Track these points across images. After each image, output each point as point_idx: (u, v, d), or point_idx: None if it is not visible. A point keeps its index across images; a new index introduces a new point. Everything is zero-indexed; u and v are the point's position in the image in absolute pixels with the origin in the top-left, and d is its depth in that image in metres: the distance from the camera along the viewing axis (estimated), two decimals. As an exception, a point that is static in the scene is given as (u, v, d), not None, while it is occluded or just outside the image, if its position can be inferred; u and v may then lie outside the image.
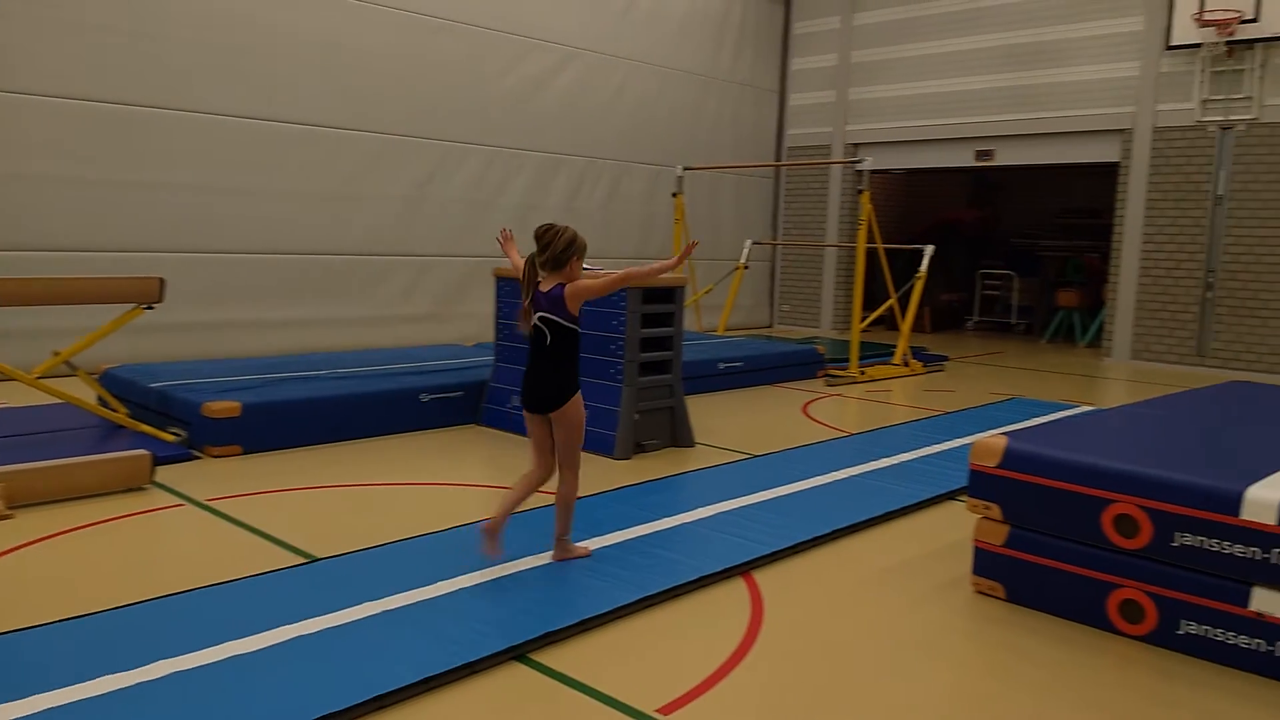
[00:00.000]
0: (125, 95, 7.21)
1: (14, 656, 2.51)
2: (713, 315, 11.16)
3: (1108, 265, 10.90)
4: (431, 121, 9.11)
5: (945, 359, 9.79)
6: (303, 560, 3.36)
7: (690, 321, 8.57)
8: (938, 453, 5.31)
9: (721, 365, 7.54)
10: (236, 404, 4.87)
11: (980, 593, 3.28)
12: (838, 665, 2.74)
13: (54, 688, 2.32)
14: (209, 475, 4.49)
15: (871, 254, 8.96)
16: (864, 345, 8.92)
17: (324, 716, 2.28)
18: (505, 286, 5.86)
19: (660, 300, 5.35)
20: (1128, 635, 2.92)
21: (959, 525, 3.99)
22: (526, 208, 10.02)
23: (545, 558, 3.37)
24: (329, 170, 8.42)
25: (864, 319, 8.72)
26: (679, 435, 5.45)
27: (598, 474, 4.72)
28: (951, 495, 4.50)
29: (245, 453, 4.88)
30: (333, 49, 8.33)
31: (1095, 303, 12.03)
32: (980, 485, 3.24)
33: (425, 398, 5.68)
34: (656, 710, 2.41)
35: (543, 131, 10.10)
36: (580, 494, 4.26)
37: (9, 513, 3.73)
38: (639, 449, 5.22)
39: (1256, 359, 9.44)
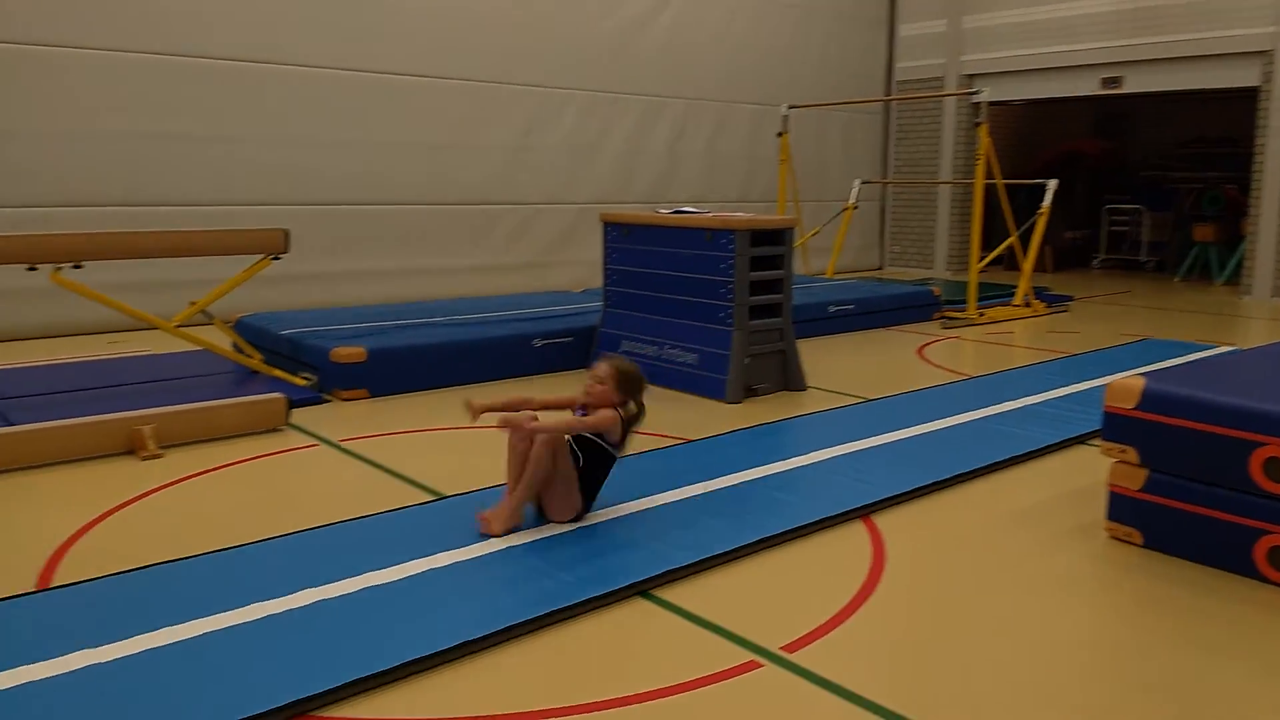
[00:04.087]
0: (238, 51, 7.44)
1: (171, 586, 2.68)
2: (821, 258, 10.94)
3: (1247, 197, 10.17)
4: (532, 68, 9.11)
5: (1070, 299, 9.37)
6: (431, 498, 3.49)
7: (797, 265, 8.42)
8: (1064, 395, 5.11)
9: (832, 308, 7.41)
10: (362, 349, 5.06)
11: (1115, 538, 3.16)
12: (965, 609, 2.69)
13: (210, 613, 2.49)
14: (339, 417, 4.69)
15: (990, 191, 8.60)
16: (982, 286, 8.61)
17: (460, 644, 2.38)
18: (613, 232, 5.87)
19: (769, 243, 5.28)
20: (1278, 584, 2.77)
21: (1090, 470, 3.85)
22: (631, 153, 9.98)
23: (661, 499, 3.41)
24: (434, 120, 8.53)
25: (982, 259, 8.40)
26: (790, 379, 5.40)
27: (709, 418, 4.73)
28: (1081, 439, 4.33)
29: (371, 396, 5.07)
30: (437, -2, 8.39)
31: (1234, 237, 11.27)
32: (1116, 428, 3.11)
33: (538, 343, 5.77)
34: (780, 648, 2.43)
35: (644, 75, 9.99)
36: (692, 437, 4.31)
37: (159, 452, 3.98)
38: (750, 393, 5.19)
39: None
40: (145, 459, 3.92)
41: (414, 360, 5.26)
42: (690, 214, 5.60)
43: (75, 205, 6.78)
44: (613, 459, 3.21)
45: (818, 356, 6.20)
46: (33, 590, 2.69)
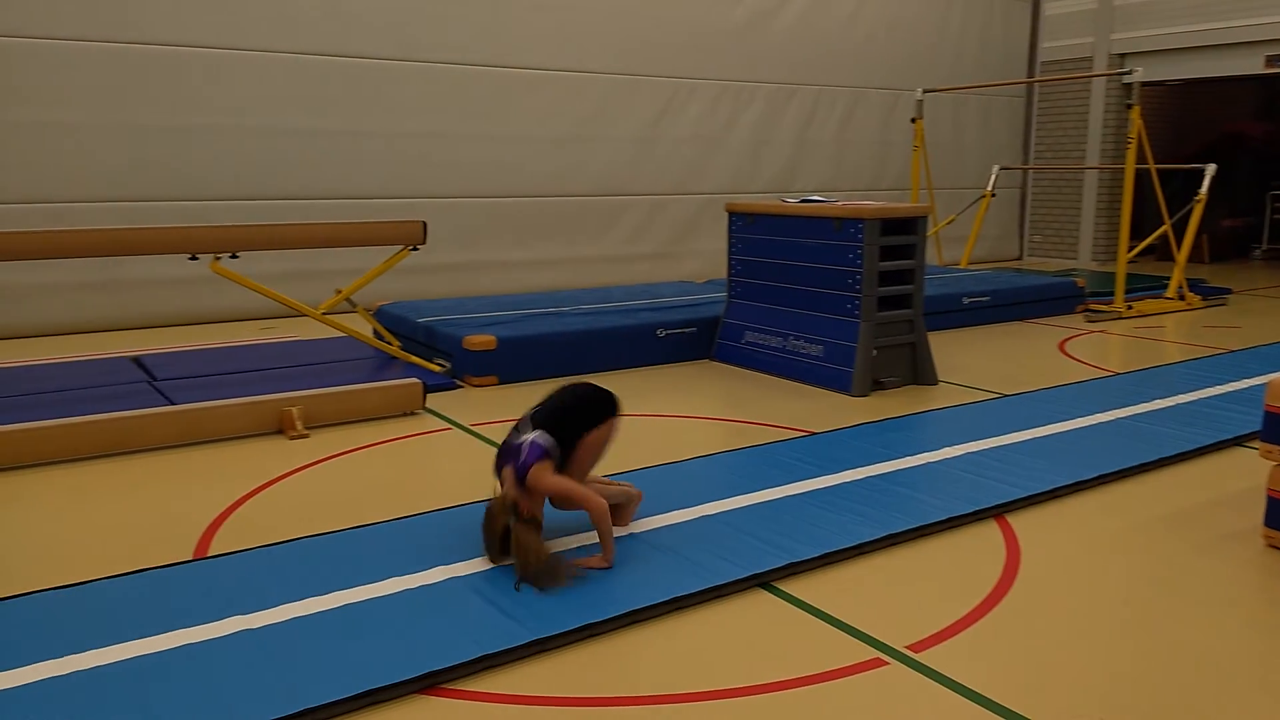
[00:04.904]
0: (374, 50, 7.73)
1: (316, 559, 2.83)
2: (955, 248, 10.57)
3: None
4: (660, 60, 9.13)
5: (1228, 292, 8.74)
6: (556, 484, 3.56)
7: (929, 256, 8.17)
8: (1221, 394, 4.78)
9: (966, 300, 7.15)
10: (492, 338, 5.21)
11: (1274, 546, 2.94)
12: (1106, 615, 2.56)
13: (352, 586, 2.61)
14: (471, 402, 4.85)
15: (1141, 176, 8.10)
16: (1131, 277, 8.13)
17: (581, 627, 2.42)
18: (738, 221, 5.84)
19: (900, 232, 5.14)
20: None
21: (1247, 473, 3.60)
22: (758, 142, 9.88)
23: (782, 491, 3.37)
24: (562, 113, 8.67)
25: (1131, 248, 7.93)
26: (921, 372, 5.25)
27: (834, 411, 4.65)
28: (1239, 441, 4.05)
29: (501, 382, 5.21)
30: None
31: None
32: (1276, 429, 2.89)
33: (661, 333, 5.80)
34: (906, 647, 2.37)
35: (774, 61, 9.86)
36: (816, 430, 4.24)
37: (305, 432, 4.21)
38: (877, 386, 5.07)
39: None
40: (293, 438, 4.16)
41: (542, 348, 5.38)
42: (818, 203, 5.51)
43: (226, 199, 7.22)
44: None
45: (950, 350, 6.00)
46: (190, 559, 2.89)
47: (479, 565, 2.75)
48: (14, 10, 6.42)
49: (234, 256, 4.70)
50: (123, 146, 6.87)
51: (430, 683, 2.20)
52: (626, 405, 4.78)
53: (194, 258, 4.67)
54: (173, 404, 4.26)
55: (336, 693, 2.10)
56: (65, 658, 2.24)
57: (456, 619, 2.45)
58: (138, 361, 5.27)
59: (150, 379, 4.87)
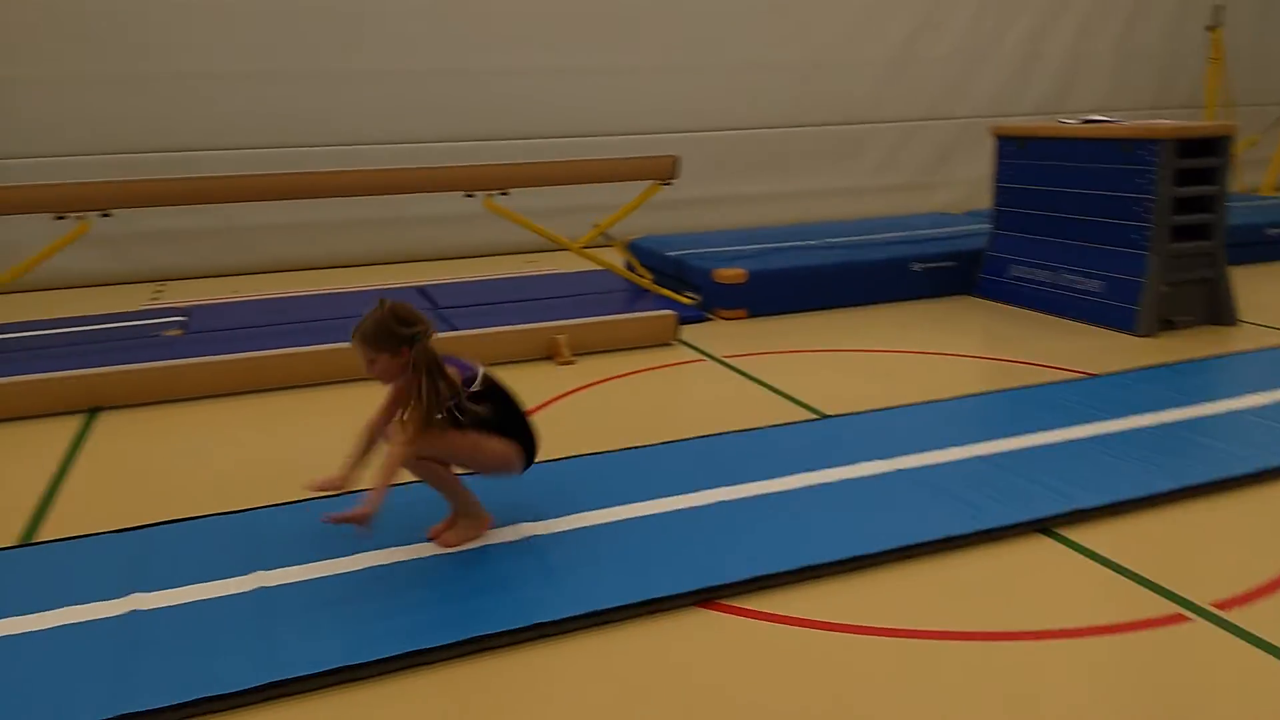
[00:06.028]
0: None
1: (592, 475, 2.96)
2: (1256, 172, 9.32)
3: None
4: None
5: None
6: (813, 416, 3.56)
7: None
8: None
9: (1272, 230, 6.32)
10: (743, 271, 5.23)
11: None
12: None
13: (625, 502, 2.74)
14: (721, 335, 4.91)
15: None
16: None
17: (850, 558, 2.43)
18: (1007, 146, 5.46)
19: (1200, 154, 4.61)
20: None
21: None
22: (1023, 58, 9.12)
23: (1058, 435, 3.17)
24: (807, 37, 8.39)
25: None
26: (1218, 311, 4.73)
27: (1115, 352, 4.31)
28: None
29: (750, 316, 5.24)
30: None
31: None
32: None
33: (917, 267, 5.58)
34: (1211, 604, 2.19)
35: (1047, -33, 9.02)
36: (1094, 371, 3.94)
37: (572, 359, 4.45)
38: (1166, 325, 4.63)
39: None
40: (561, 365, 4.41)
41: (792, 282, 5.34)
42: (1102, 123, 5.04)
43: (491, 139, 7.61)
44: (469, 407, 2.55)
45: (1252, 286, 5.35)
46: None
47: (750, 490, 2.80)
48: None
49: (504, 194, 4.99)
50: (402, 90, 7.43)
51: (706, 597, 2.29)
52: (883, 341, 4.69)
53: (470, 195, 5.00)
54: (455, 329, 4.63)
55: (622, 598, 2.25)
56: (373, 551, 2.49)
57: (732, 538, 2.53)
58: (423, 291, 5.76)
59: (434, 306, 5.32)
